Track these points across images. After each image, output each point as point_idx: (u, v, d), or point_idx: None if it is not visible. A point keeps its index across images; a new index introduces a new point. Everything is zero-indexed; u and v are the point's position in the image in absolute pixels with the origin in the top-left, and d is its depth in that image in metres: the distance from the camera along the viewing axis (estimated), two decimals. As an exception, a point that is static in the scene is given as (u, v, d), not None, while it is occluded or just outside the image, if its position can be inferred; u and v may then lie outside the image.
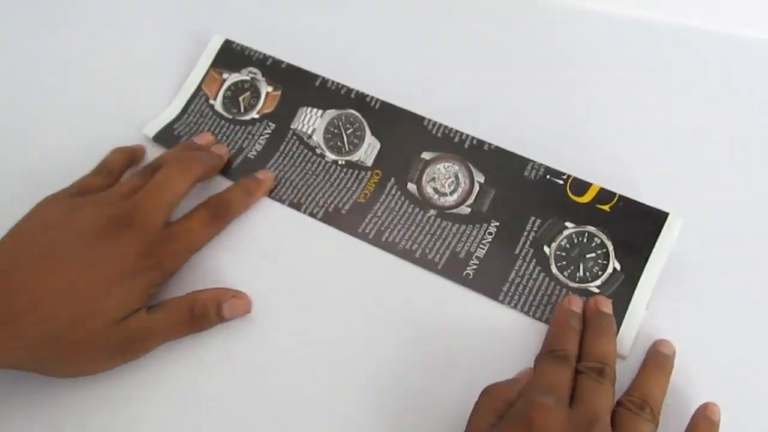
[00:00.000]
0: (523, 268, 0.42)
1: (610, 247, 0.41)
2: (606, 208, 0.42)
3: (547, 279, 0.41)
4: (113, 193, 0.41)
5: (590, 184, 0.43)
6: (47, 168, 0.47)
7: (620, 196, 0.42)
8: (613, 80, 0.47)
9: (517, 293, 0.41)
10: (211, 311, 0.40)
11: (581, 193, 0.43)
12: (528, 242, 0.42)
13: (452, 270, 0.42)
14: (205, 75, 0.50)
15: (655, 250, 0.40)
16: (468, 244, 0.43)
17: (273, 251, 0.44)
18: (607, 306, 0.39)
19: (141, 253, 0.38)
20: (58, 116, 0.50)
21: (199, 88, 0.50)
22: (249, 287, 0.42)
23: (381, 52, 0.49)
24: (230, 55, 0.50)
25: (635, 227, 0.41)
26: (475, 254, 0.42)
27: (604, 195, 0.42)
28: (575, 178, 0.43)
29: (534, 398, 0.34)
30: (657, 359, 0.38)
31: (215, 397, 0.39)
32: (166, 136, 0.48)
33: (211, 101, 0.49)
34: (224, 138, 0.48)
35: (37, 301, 0.35)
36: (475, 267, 0.42)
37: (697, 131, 0.45)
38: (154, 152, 0.47)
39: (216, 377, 0.40)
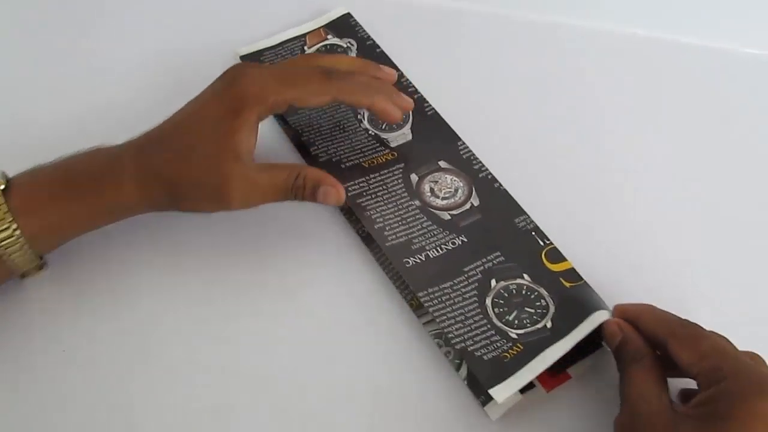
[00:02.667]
0: (461, 284, 0.41)
1: (551, 312, 0.39)
2: (567, 284, 0.41)
3: (476, 305, 0.40)
4: None
5: (565, 259, 0.42)
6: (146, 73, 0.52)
7: (585, 282, 0.41)
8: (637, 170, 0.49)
9: (440, 301, 0.40)
10: (308, 187, 0.40)
11: (554, 262, 0.42)
12: (481, 268, 0.41)
13: (397, 253, 0.42)
14: (314, 30, 0.55)
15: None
16: (427, 241, 0.42)
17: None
18: None
19: None
20: (161, 19, 0.56)
21: (303, 35, 0.55)
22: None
23: (459, 72, 0.53)
24: (342, 25, 0.55)
25: (583, 312, 0.39)
26: (427, 252, 0.42)
27: (572, 274, 0.41)
28: (554, 248, 0.42)
29: None
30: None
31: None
32: (252, 59, 0.53)
33: (306, 48, 0.54)
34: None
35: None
36: (418, 261, 0.41)
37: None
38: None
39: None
